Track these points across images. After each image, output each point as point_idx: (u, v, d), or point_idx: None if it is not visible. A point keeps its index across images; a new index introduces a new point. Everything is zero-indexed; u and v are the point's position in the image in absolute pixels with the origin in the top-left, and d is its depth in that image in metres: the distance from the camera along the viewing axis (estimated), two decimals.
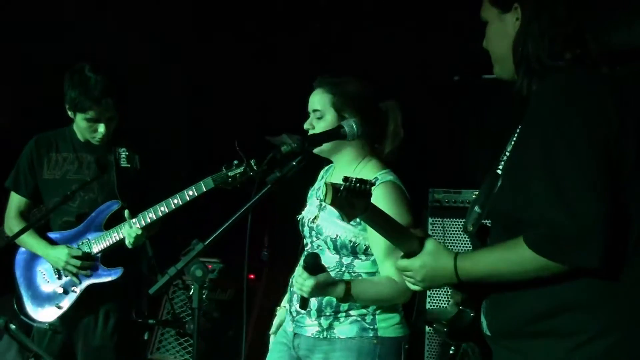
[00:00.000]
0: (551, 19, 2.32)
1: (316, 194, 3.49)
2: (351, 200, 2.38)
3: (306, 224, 3.41)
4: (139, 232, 3.92)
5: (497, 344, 2.40)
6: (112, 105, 3.99)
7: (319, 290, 3.11)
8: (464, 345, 2.62)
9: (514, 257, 2.22)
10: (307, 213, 3.46)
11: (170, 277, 2.75)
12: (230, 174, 3.82)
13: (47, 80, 5.01)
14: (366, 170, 3.32)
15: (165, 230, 4.21)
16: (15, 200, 4.26)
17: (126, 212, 3.95)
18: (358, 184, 2.38)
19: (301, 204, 3.56)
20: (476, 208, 2.49)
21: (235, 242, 3.12)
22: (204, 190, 3.85)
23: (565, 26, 2.32)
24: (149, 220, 3.93)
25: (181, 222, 4.86)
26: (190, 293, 4.68)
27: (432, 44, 5.44)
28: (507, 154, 2.41)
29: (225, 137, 3.82)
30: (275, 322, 3.57)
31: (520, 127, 2.37)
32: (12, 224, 4.25)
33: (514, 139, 2.39)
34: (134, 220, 3.94)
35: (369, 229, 3.16)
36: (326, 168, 3.58)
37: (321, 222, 3.33)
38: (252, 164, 3.81)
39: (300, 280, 3.11)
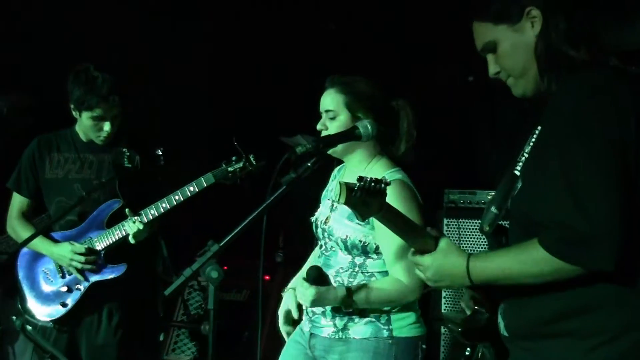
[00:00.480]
0: (568, 14, 2.30)
1: (328, 195, 3.49)
2: (365, 199, 2.36)
3: (319, 226, 3.42)
4: (141, 226, 3.94)
5: (515, 344, 2.39)
6: (118, 103, 4.04)
7: (320, 300, 3.18)
8: (479, 346, 2.61)
9: (529, 258, 2.20)
10: (320, 214, 3.47)
11: (186, 279, 2.75)
12: (230, 169, 3.90)
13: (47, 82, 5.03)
14: (375, 169, 3.32)
15: (180, 232, 4.23)
16: (17, 201, 4.29)
17: (127, 210, 3.99)
18: (373, 184, 2.36)
19: (315, 205, 3.56)
20: (493, 208, 2.46)
21: (250, 243, 3.12)
22: (205, 185, 3.91)
23: (581, 23, 2.31)
24: (150, 217, 3.97)
25: (196, 223, 4.87)
26: (206, 294, 4.69)
27: (446, 44, 5.43)
28: (526, 154, 2.38)
29: (238, 137, 3.85)
30: (292, 306, 3.55)
31: (539, 128, 2.35)
32: (15, 224, 4.28)
33: (533, 139, 2.37)
34: (135, 217, 3.97)
35: (377, 230, 3.17)
36: (338, 168, 3.58)
37: (332, 223, 3.33)
38: (251, 159, 3.89)
39: (302, 290, 3.18)
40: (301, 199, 3.47)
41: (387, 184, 2.39)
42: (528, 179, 2.31)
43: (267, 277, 5.28)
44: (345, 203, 2.36)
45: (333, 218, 3.34)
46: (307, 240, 3.62)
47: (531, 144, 2.37)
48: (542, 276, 2.20)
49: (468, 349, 2.65)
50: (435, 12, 5.52)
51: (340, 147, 3.29)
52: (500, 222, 2.47)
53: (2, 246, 4.64)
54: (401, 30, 5.77)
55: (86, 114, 4.05)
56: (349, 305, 3.19)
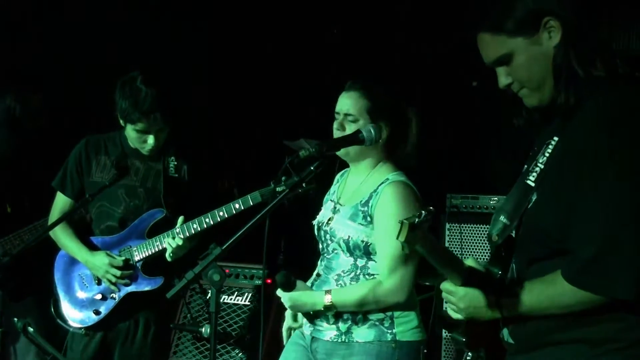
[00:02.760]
0: (585, 20, 2.27)
1: (331, 198, 3.50)
2: (415, 232, 2.28)
3: (321, 228, 3.43)
4: (180, 242, 3.86)
5: (521, 352, 2.38)
6: (161, 119, 3.95)
7: (297, 305, 3.27)
8: (473, 352, 2.60)
9: (554, 292, 2.22)
10: (322, 217, 3.48)
11: (188, 281, 2.76)
12: (278, 189, 3.80)
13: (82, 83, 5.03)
14: (379, 173, 3.34)
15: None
16: (61, 201, 4.21)
17: (180, 219, 3.91)
18: (427, 215, 2.28)
19: (317, 207, 3.57)
20: (502, 218, 2.42)
21: (252, 247, 3.13)
22: (251, 204, 3.79)
23: (594, 31, 2.29)
24: (192, 232, 3.88)
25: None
26: (208, 297, 4.68)
27: (450, 48, 5.43)
28: (540, 165, 2.33)
29: (246, 145, 3.85)
30: (289, 321, 3.59)
31: (556, 139, 2.31)
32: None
33: (548, 150, 2.32)
34: (177, 230, 3.90)
35: (375, 229, 3.19)
36: (341, 173, 3.59)
37: (334, 224, 3.35)
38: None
39: (280, 299, 3.30)
40: (304, 202, 3.47)
41: (434, 212, 2.32)
42: (547, 193, 2.28)
43: (269, 281, 5.27)
44: (405, 240, 2.26)
45: (335, 219, 3.36)
46: (310, 243, 3.62)
47: (546, 154, 2.32)
48: (568, 307, 2.21)
49: (469, 354, 2.64)
50: (438, 14, 5.52)
51: (353, 152, 3.33)
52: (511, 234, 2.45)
53: (7, 247, 4.63)
54: (404, 34, 5.77)
55: (130, 127, 3.99)
56: (328, 308, 3.23)
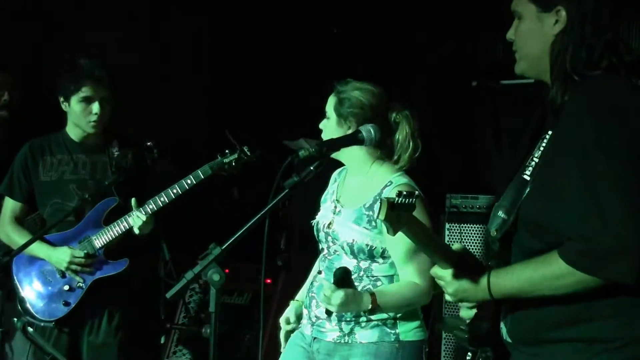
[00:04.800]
0: (594, 26, 2.28)
1: (330, 198, 3.48)
2: (399, 214, 2.32)
3: (321, 229, 3.40)
4: (144, 218, 3.95)
5: (518, 350, 2.39)
6: (107, 81, 4.05)
7: (347, 304, 3.10)
8: (479, 351, 2.60)
9: (550, 272, 2.21)
10: (322, 218, 3.45)
11: (188, 281, 2.75)
12: (225, 160, 3.97)
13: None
14: (380, 173, 3.31)
15: (182, 234, 4.23)
16: (10, 206, 4.26)
17: (133, 201, 3.99)
18: (409, 198, 2.32)
19: (317, 207, 3.56)
20: (500, 213, 2.43)
21: (252, 247, 3.12)
22: (202, 177, 3.96)
23: (606, 33, 2.29)
24: (149, 211, 3.98)
25: (199, 226, 4.87)
26: (207, 297, 4.68)
27: (450, 49, 5.43)
28: (536, 159, 2.37)
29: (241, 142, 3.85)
30: (290, 315, 3.55)
31: (550, 133, 2.33)
32: (8, 230, 4.25)
33: (543, 144, 2.36)
34: (134, 213, 3.98)
35: (389, 238, 3.16)
36: (338, 171, 3.56)
37: (337, 227, 3.32)
38: (245, 149, 3.99)
39: (328, 294, 3.09)
40: (303, 202, 3.47)
41: (418, 196, 2.36)
42: (540, 185, 2.30)
43: (269, 281, 5.28)
44: (385, 219, 2.30)
45: (337, 222, 3.33)
46: (309, 243, 3.62)
47: (541, 148, 2.36)
48: (563, 289, 2.21)
49: (469, 354, 2.64)
50: (438, 13, 5.53)
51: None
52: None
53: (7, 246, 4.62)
54: (412, 35, 5.77)
55: (75, 99, 4.05)
56: (372, 310, 3.16)
